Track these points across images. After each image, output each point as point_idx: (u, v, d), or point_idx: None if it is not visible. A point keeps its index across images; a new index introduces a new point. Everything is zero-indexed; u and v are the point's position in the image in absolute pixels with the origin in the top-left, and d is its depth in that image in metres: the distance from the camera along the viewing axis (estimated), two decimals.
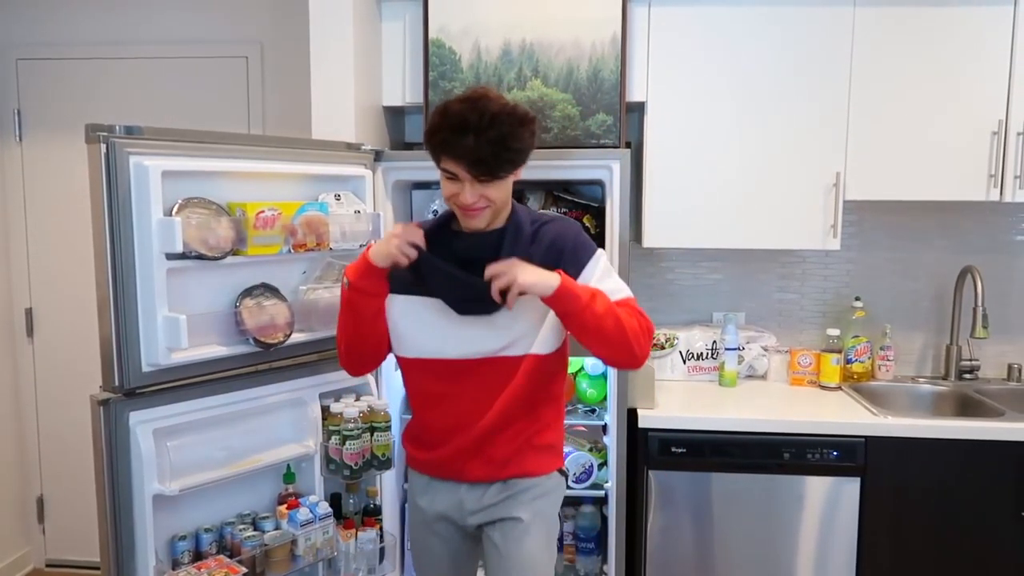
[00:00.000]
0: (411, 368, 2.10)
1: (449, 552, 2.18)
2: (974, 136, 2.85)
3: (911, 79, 2.85)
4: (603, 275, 1.99)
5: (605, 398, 2.91)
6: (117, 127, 1.96)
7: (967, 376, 3.24)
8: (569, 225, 2.06)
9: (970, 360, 3.25)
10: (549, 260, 1.94)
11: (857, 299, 3.22)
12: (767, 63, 2.87)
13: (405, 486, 2.75)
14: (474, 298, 1.93)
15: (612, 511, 2.73)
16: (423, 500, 2.16)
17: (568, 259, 1.96)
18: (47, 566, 3.93)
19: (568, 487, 2.71)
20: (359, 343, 2.11)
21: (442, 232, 2.05)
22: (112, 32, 3.60)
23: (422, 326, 2.04)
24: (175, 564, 2.17)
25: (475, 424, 2.03)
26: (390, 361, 2.76)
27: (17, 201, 3.71)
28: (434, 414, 2.10)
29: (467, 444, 2.05)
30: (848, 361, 3.20)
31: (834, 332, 3.14)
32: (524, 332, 2.00)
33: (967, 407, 3.08)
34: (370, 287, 2.01)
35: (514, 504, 2.06)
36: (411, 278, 1.99)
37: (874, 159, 2.87)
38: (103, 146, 1.93)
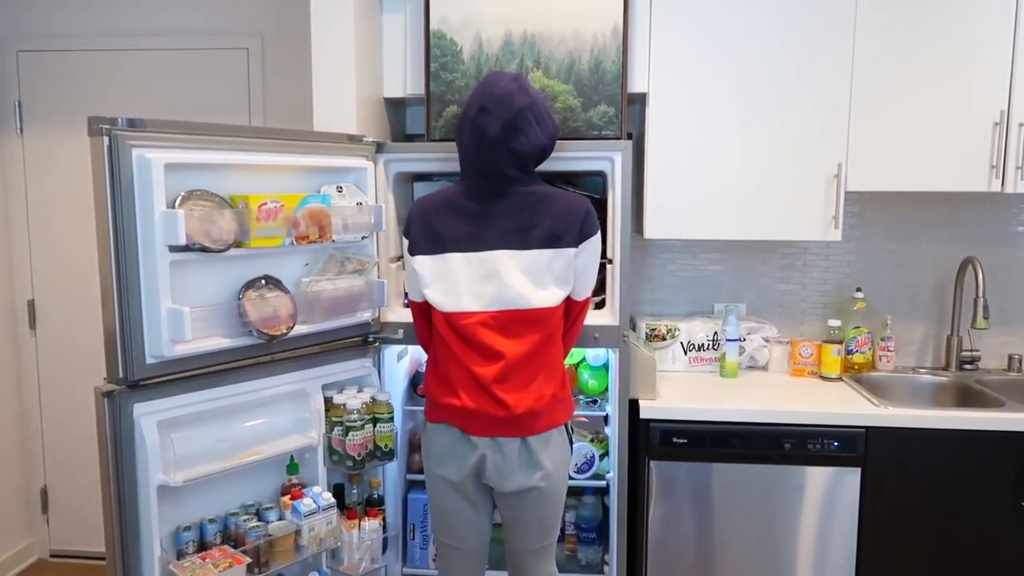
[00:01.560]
0: None
1: None
2: (976, 127, 2.84)
3: (913, 69, 2.84)
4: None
5: (606, 389, 2.92)
6: (120, 120, 1.96)
7: (968, 367, 3.25)
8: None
9: (971, 351, 3.25)
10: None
11: (858, 290, 3.23)
12: (769, 53, 2.86)
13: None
14: None
15: (613, 501, 2.74)
16: None
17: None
18: (51, 556, 3.94)
19: (571, 477, 2.76)
20: None
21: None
22: (113, 24, 3.60)
23: None
24: (180, 554, 2.19)
25: None
26: (391, 352, 2.79)
27: (19, 193, 3.71)
28: None
29: None
30: (849, 352, 3.20)
31: (835, 323, 3.15)
32: None
33: (968, 398, 3.09)
34: None
35: None
36: None
37: (876, 150, 2.87)
38: (106, 139, 1.94)
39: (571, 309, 2.35)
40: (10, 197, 3.73)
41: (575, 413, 2.90)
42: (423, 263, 2.29)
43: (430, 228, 2.29)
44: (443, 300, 2.26)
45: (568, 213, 2.24)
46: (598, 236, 2.29)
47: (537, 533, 2.33)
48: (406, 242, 2.35)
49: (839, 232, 2.89)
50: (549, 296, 2.23)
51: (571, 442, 2.38)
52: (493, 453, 2.23)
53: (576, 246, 2.24)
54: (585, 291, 2.35)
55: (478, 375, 2.21)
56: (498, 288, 2.22)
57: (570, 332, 2.40)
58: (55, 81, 3.64)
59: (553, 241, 2.22)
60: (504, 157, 2.21)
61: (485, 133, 2.19)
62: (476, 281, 2.24)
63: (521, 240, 2.22)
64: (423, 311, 2.38)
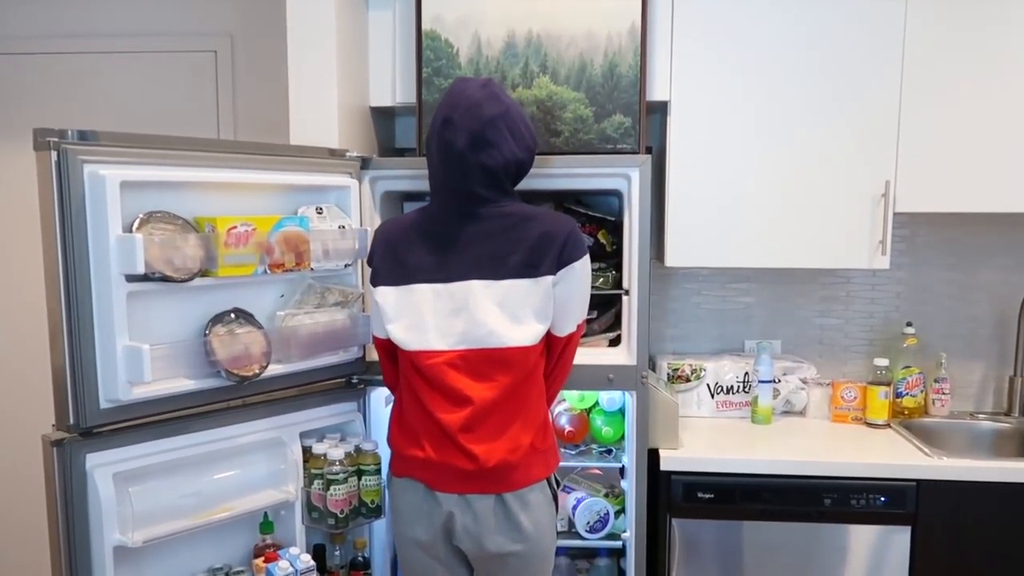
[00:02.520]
0: None
1: None
2: None
3: (971, 75, 2.86)
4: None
5: (623, 437, 2.92)
6: (70, 132, 1.97)
7: None
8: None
9: None
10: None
11: (908, 325, 3.24)
12: (809, 56, 2.88)
13: None
14: None
15: (631, 564, 2.74)
16: None
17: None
18: None
19: (582, 537, 2.76)
20: None
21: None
22: (63, 24, 3.63)
23: None
24: None
25: None
26: (379, 395, 2.80)
27: None
28: None
29: None
30: (898, 395, 3.21)
31: (882, 362, 3.15)
32: None
33: None
34: None
35: None
36: None
37: (929, 166, 2.89)
38: (54, 153, 1.94)
39: (553, 347, 2.32)
40: None
41: (586, 465, 2.91)
42: (387, 295, 2.28)
43: (394, 255, 2.29)
44: (407, 337, 2.25)
45: (547, 236, 2.20)
46: (584, 262, 2.26)
47: None
48: (368, 271, 2.36)
49: (887, 259, 2.90)
50: (527, 333, 2.21)
51: (555, 498, 2.35)
52: (462, 512, 2.22)
53: (554, 273, 2.20)
54: (567, 327, 2.30)
55: (443, 423, 2.19)
56: (468, 323, 2.21)
57: (555, 372, 2.36)
58: None
59: (530, 269, 2.19)
60: (473, 174, 2.20)
61: (452, 147, 2.19)
62: (444, 316, 2.23)
63: (494, 269, 2.21)
64: (388, 349, 2.38)
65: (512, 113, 2.23)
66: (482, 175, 2.20)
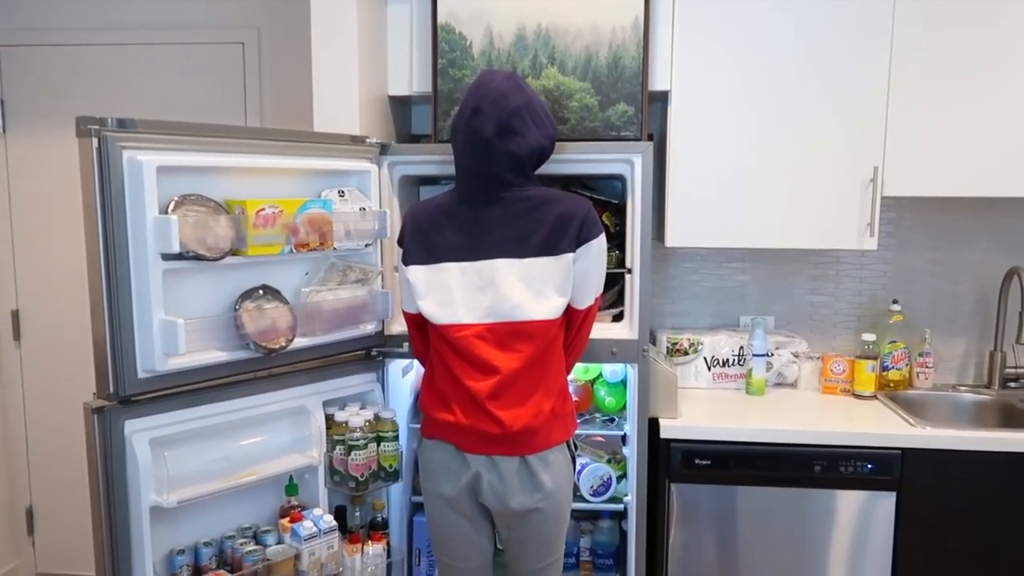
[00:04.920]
0: None
1: None
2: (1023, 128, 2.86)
3: (956, 66, 2.84)
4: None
5: (624, 407, 2.93)
6: (109, 120, 1.99)
7: (1012, 384, 3.25)
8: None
9: (1015, 368, 3.26)
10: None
11: (894, 302, 3.24)
12: (801, 50, 2.87)
13: None
14: None
15: (632, 526, 2.75)
16: None
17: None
18: None
19: (586, 500, 2.78)
20: None
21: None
22: (101, 17, 3.64)
23: None
24: None
25: None
26: (396, 367, 2.82)
27: (1, 196, 3.76)
28: None
29: None
30: (884, 368, 3.21)
31: (869, 337, 3.16)
32: None
33: (1011, 417, 3.09)
34: None
35: None
36: None
37: (915, 152, 2.88)
38: (95, 140, 1.96)
39: (573, 319, 2.36)
40: None
41: (590, 432, 2.93)
42: (417, 273, 2.32)
43: (424, 236, 2.32)
44: (437, 312, 2.29)
45: (565, 217, 2.25)
46: (600, 240, 2.30)
47: (539, 553, 2.36)
48: (399, 251, 2.39)
49: (875, 240, 2.90)
50: (549, 307, 2.25)
51: (574, 460, 2.40)
52: (488, 472, 2.26)
53: (573, 251, 2.25)
54: (586, 299, 2.35)
55: (472, 390, 2.24)
56: (494, 299, 2.25)
57: (574, 343, 2.41)
58: (40, 78, 3.68)
59: (550, 248, 2.24)
60: (499, 159, 2.23)
61: (479, 135, 2.21)
62: (472, 292, 2.27)
63: (518, 247, 2.25)
64: (417, 323, 2.41)
65: (534, 103, 2.27)
66: (507, 161, 2.23)
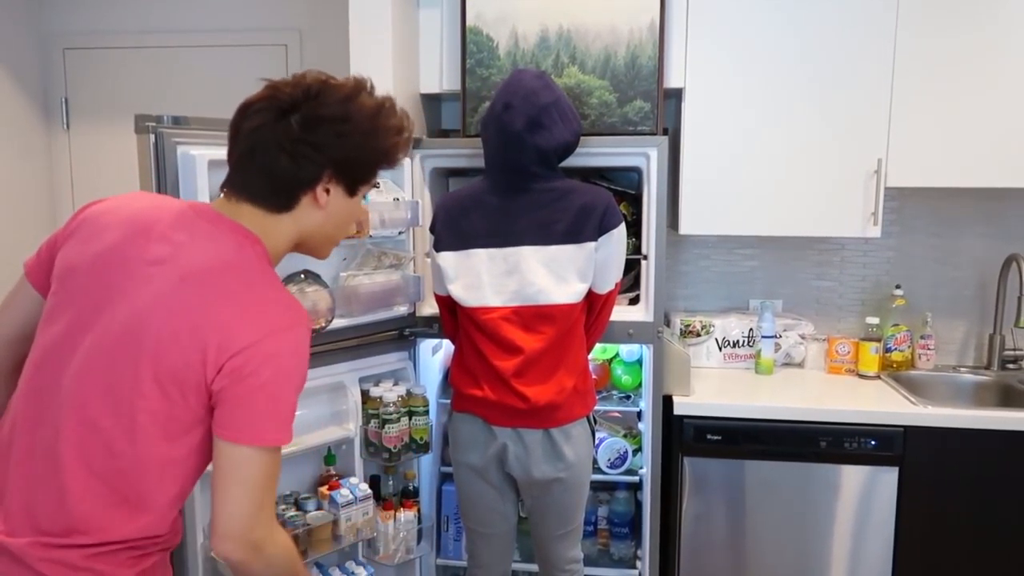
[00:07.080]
0: None
1: None
2: (1022, 120, 2.84)
3: (956, 61, 2.82)
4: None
5: (640, 385, 2.95)
6: (165, 117, 2.04)
7: (1010, 366, 3.23)
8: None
9: (1013, 350, 3.24)
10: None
11: (897, 287, 3.23)
12: (807, 46, 2.87)
13: None
14: None
15: (646, 497, 2.78)
16: None
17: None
18: None
19: (603, 472, 2.81)
20: None
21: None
22: (155, 20, 3.69)
23: None
24: None
25: None
26: (427, 346, 2.85)
27: (65, 188, 3.83)
28: None
29: None
30: (887, 350, 3.21)
31: (873, 321, 3.16)
32: None
33: (1009, 398, 3.09)
34: None
35: None
36: None
37: (917, 145, 2.87)
38: (152, 136, 2.01)
39: (594, 303, 2.39)
40: (57, 192, 3.84)
41: (607, 408, 2.96)
42: (447, 259, 2.36)
43: (455, 224, 2.36)
44: (466, 295, 2.32)
45: (588, 207, 2.28)
46: (621, 229, 2.33)
47: (559, 520, 2.41)
48: (431, 238, 2.43)
49: (878, 229, 2.90)
50: (571, 291, 2.28)
51: (594, 433, 2.44)
52: (514, 444, 2.31)
53: (596, 240, 2.28)
54: (607, 285, 2.37)
55: (498, 368, 2.28)
56: (520, 284, 2.28)
57: (595, 325, 2.44)
58: (99, 78, 3.75)
59: (574, 236, 2.27)
60: (528, 153, 2.26)
61: (509, 129, 2.24)
62: (499, 276, 2.30)
63: (543, 235, 2.28)
64: (448, 305, 2.45)
65: (562, 101, 2.31)
66: (535, 154, 2.27)
